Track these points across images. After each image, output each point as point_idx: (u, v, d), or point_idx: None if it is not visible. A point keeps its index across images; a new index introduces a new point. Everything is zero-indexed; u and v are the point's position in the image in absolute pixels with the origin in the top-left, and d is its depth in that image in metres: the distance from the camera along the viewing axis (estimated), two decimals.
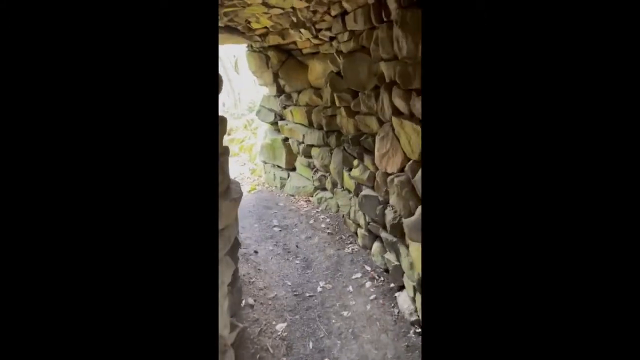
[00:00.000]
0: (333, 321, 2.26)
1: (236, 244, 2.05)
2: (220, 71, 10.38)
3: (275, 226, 3.61)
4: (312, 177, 4.18)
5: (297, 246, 3.21)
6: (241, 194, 1.91)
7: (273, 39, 3.88)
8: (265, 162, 4.96)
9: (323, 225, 3.57)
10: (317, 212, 3.88)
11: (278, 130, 4.69)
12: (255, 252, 3.09)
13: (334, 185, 3.74)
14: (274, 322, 2.23)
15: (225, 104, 9.80)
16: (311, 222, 3.67)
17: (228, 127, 8.14)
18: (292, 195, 4.40)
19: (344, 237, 3.31)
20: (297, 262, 2.96)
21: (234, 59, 9.69)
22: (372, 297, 2.46)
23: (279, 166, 4.74)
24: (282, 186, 4.62)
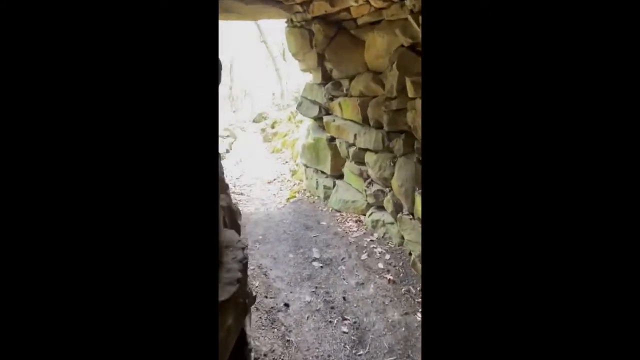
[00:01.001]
0: None
1: (242, 350, 1.17)
2: (268, 59, 9.88)
3: (315, 259, 2.71)
4: (365, 190, 3.18)
5: (344, 298, 2.28)
6: (244, 264, 1.00)
7: (318, 7, 2.93)
8: (306, 166, 4.06)
9: (381, 265, 2.57)
10: (372, 241, 2.89)
11: (323, 128, 3.74)
12: (286, 305, 2.22)
13: (397, 208, 2.69)
14: None
15: (275, 94, 9.38)
16: (363, 257, 2.70)
17: (272, 120, 7.55)
18: (339, 211, 3.46)
19: (413, 291, 2.28)
20: (344, 329, 2.03)
21: (282, 47, 9.06)
22: None
23: (322, 172, 3.82)
24: (326, 197, 3.70)
